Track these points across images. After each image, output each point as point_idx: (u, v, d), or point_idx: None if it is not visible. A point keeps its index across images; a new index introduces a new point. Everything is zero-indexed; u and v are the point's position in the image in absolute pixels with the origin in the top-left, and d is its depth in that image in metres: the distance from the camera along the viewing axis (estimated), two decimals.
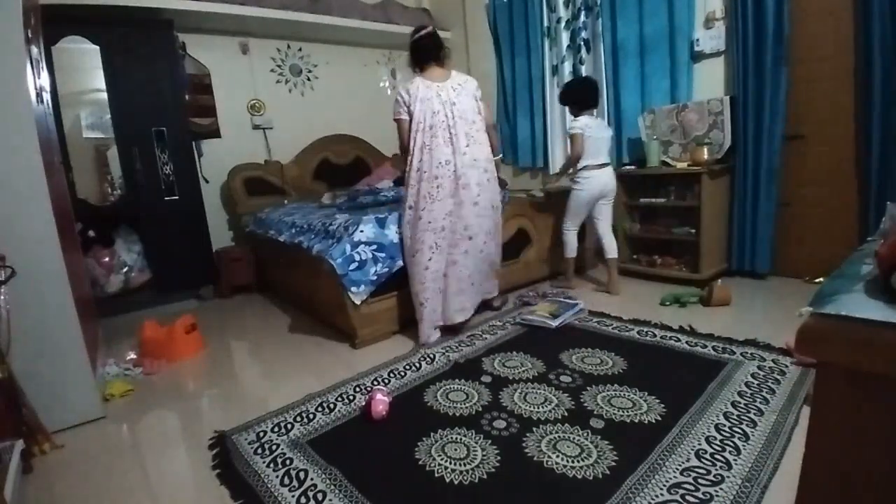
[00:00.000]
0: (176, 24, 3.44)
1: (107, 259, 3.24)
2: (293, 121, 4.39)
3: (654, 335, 2.29)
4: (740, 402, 1.65)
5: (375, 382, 2.04)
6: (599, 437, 1.53)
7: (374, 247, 2.45)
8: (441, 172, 2.31)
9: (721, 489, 1.25)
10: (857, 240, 2.46)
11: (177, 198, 3.43)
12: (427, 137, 2.31)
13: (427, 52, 2.40)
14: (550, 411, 1.70)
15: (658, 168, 3.09)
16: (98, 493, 1.51)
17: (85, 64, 3.14)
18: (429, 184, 2.32)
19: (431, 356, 2.26)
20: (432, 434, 1.61)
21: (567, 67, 3.83)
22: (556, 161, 4.07)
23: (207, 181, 3.90)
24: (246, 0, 3.65)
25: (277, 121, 4.30)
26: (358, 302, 2.39)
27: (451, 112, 2.33)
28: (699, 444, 1.44)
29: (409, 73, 5.43)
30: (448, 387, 1.95)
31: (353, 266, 2.37)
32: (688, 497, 1.23)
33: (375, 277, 2.44)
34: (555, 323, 2.46)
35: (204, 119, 3.79)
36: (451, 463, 1.46)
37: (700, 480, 1.29)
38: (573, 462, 1.41)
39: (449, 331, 2.52)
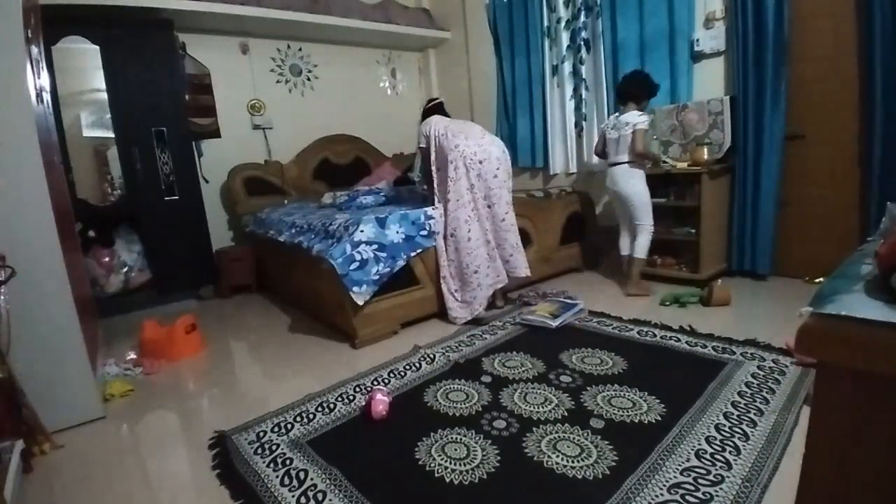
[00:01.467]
0: (176, 24, 3.44)
1: (107, 259, 3.24)
2: (293, 121, 4.39)
3: (654, 335, 2.29)
4: (740, 402, 1.65)
5: (375, 382, 2.04)
6: (599, 437, 1.53)
7: (375, 246, 2.45)
8: (454, 156, 2.63)
9: (721, 489, 1.25)
10: (857, 240, 2.46)
11: (177, 198, 3.43)
12: (442, 139, 2.69)
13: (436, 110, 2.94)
14: (550, 411, 1.70)
15: (658, 168, 3.09)
16: (98, 493, 1.51)
17: (85, 64, 3.14)
18: (444, 172, 2.66)
19: (431, 356, 2.26)
20: (432, 434, 1.61)
21: (567, 67, 3.83)
22: (556, 161, 4.07)
23: (207, 181, 3.90)
24: (246, 0, 3.65)
25: (277, 121, 4.30)
26: (361, 302, 2.39)
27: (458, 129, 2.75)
28: (699, 444, 1.44)
29: (409, 73, 5.45)
30: (448, 387, 1.95)
31: (353, 266, 2.37)
32: (688, 497, 1.23)
33: (377, 277, 2.43)
34: (555, 323, 2.46)
35: (204, 119, 3.79)
36: (451, 463, 1.46)
37: (700, 480, 1.29)
38: (573, 462, 1.41)
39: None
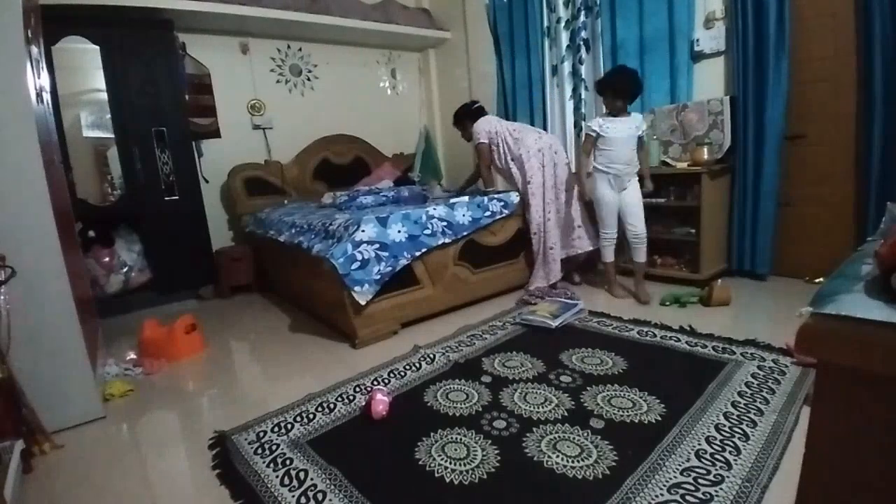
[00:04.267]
0: (176, 24, 3.44)
1: (107, 259, 3.24)
2: (293, 121, 4.39)
3: (654, 335, 2.29)
4: (740, 402, 1.65)
5: (375, 382, 2.04)
6: (599, 437, 1.53)
7: (377, 246, 2.45)
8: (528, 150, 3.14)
9: (721, 489, 1.25)
10: (857, 240, 2.46)
11: (177, 198, 3.43)
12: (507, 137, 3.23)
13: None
14: (550, 411, 1.70)
15: (658, 168, 3.09)
16: (98, 493, 1.51)
17: (85, 64, 3.14)
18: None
19: (431, 356, 2.26)
20: (432, 434, 1.61)
21: (567, 67, 3.83)
22: None
23: (207, 181, 3.89)
24: (246, 0, 3.65)
25: (277, 121, 4.30)
26: (363, 302, 2.39)
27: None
28: (699, 444, 1.44)
29: (409, 73, 5.42)
30: (448, 387, 1.95)
31: (354, 265, 2.37)
32: (688, 497, 1.23)
33: (379, 277, 2.43)
34: (555, 323, 2.45)
35: (204, 119, 3.79)
36: (451, 463, 1.46)
37: (700, 480, 1.29)
38: (573, 462, 1.41)
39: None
